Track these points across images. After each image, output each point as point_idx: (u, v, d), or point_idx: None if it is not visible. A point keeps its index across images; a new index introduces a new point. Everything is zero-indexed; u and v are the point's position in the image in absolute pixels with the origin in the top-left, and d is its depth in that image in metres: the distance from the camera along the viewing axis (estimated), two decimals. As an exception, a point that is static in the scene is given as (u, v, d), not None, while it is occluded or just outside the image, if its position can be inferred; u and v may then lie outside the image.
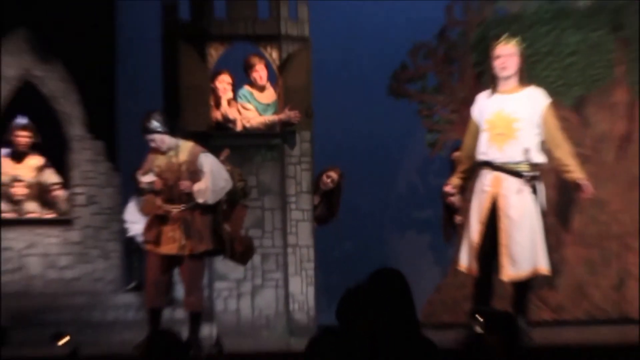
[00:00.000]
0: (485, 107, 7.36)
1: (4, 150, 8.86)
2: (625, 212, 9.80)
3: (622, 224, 9.86)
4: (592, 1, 10.01)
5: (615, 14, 9.83)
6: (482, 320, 4.51)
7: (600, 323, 9.62)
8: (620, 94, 9.86)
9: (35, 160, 8.97)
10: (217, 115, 8.66)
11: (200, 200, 7.37)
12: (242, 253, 7.93)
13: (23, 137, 8.76)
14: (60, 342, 7.45)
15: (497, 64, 7.22)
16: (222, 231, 7.67)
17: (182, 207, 7.41)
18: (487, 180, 7.28)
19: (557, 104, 8.17)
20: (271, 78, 8.76)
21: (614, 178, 9.81)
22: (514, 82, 7.21)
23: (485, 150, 7.24)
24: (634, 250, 9.73)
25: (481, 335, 4.42)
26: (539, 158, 7.13)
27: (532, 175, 7.10)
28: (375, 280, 4.20)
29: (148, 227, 7.56)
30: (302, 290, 8.97)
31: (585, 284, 9.89)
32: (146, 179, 7.56)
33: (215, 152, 7.72)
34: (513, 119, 7.17)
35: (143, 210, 7.94)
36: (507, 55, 7.21)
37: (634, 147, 9.88)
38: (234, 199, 7.85)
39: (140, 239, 8.49)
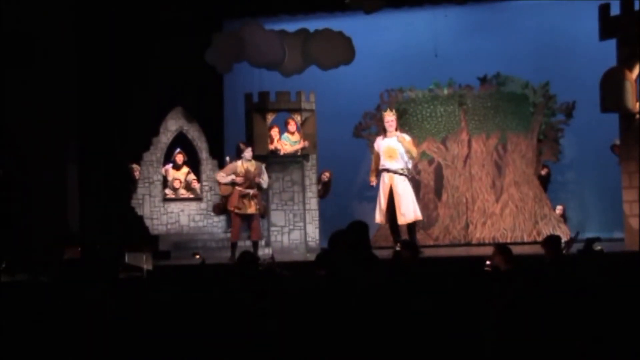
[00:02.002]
0: (381, 143, 11.33)
1: (169, 165, 12.99)
2: (466, 191, 13.43)
3: (464, 197, 13.43)
4: (449, 91, 13.51)
5: (460, 97, 13.43)
6: (399, 244, 7.82)
7: (455, 246, 13.09)
8: (464, 134, 13.45)
9: (185, 169, 12.98)
10: (271, 146, 12.85)
11: (263, 186, 11.74)
12: (264, 212, 12.32)
13: (179, 158, 12.97)
14: (196, 257, 9.97)
15: (386, 123, 11.33)
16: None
17: (255, 190, 11.66)
18: (386, 177, 11.28)
19: (433, 140, 13.07)
20: (295, 129, 13.01)
21: (461, 176, 13.49)
22: (394, 131, 11.28)
23: (384, 163, 11.27)
24: (470, 209, 13.29)
25: (399, 252, 7.44)
26: (408, 165, 11.37)
27: (406, 173, 11.33)
28: (352, 225, 6.25)
29: (236, 201, 11.44)
30: (313, 231, 13.05)
31: (449, 227, 13.39)
32: (229, 178, 11.51)
33: (263, 162, 12.13)
34: (395, 148, 11.23)
35: (221, 193, 11.85)
36: (390, 120, 11.31)
37: (470, 161, 13.46)
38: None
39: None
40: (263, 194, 12.33)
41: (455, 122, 13.61)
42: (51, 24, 12.46)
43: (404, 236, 11.36)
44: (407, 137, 11.40)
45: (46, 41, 12.34)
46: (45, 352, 5.37)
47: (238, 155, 11.85)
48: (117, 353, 5.32)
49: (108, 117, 13.84)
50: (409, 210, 11.26)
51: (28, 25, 12.28)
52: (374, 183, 11.46)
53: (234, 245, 11.67)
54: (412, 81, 13.83)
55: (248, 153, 11.65)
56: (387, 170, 11.29)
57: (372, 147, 13.10)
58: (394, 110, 11.52)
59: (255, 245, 11.65)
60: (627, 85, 11.30)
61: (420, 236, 12.04)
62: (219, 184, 11.92)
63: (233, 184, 11.59)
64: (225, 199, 11.80)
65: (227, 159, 12.34)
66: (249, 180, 11.58)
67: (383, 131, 11.51)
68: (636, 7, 11.34)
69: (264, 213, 12.02)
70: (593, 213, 14.32)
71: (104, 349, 5.33)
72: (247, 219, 11.71)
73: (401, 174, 11.27)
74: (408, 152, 11.30)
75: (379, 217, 11.48)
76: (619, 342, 4.93)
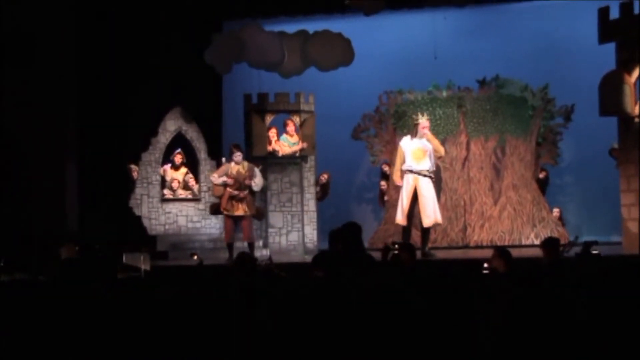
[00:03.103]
0: (409, 144, 11.44)
1: (168, 165, 13.00)
2: (465, 194, 13.59)
3: (463, 199, 13.62)
4: (448, 93, 13.68)
5: (459, 99, 13.59)
6: (398, 246, 7.67)
7: (453, 248, 13.27)
8: (463, 137, 13.61)
9: (183, 169, 13.05)
10: (269, 148, 13.00)
11: (254, 189, 11.82)
12: (260, 215, 12.35)
13: (178, 158, 12.99)
14: (194, 258, 9.46)
15: (422, 128, 11.42)
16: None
17: (246, 192, 11.73)
18: (411, 178, 11.35)
19: (433, 141, 12.66)
20: (294, 130, 13.19)
21: (459, 178, 13.66)
22: (427, 134, 11.42)
23: (410, 164, 11.35)
24: (468, 212, 13.41)
25: (397, 254, 7.52)
26: (434, 167, 11.46)
27: (431, 175, 11.42)
28: (346, 226, 6.69)
29: (225, 202, 11.65)
30: (311, 232, 13.21)
31: (447, 229, 13.48)
32: (221, 179, 11.69)
33: (262, 164, 12.46)
34: (425, 150, 11.35)
35: (214, 194, 12.05)
36: (427, 125, 11.49)
37: (469, 164, 13.60)
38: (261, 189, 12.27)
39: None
40: (260, 195, 12.40)
41: (454, 124, 13.66)
42: (51, 24, 12.47)
43: (415, 239, 11.60)
44: (433, 138, 11.58)
45: (46, 41, 12.36)
46: (44, 351, 5.37)
47: (230, 157, 11.96)
48: (115, 353, 5.33)
49: (107, 117, 13.83)
50: (431, 212, 11.36)
51: (28, 25, 12.27)
52: (400, 183, 11.45)
53: (230, 246, 11.70)
54: (411, 83, 13.89)
55: (237, 157, 11.71)
56: (412, 172, 11.34)
57: (371, 149, 13.90)
58: (427, 116, 11.68)
59: (251, 246, 11.69)
60: (626, 88, 11.34)
61: (418, 238, 11.95)
62: (213, 185, 12.01)
63: (225, 185, 11.67)
64: (219, 199, 11.87)
65: (223, 159, 12.37)
66: (239, 183, 11.65)
67: (414, 132, 11.51)
68: (635, 11, 11.38)
69: (257, 215, 12.02)
70: (591, 216, 14.31)
71: (102, 349, 5.33)
72: (239, 220, 11.75)
73: (426, 176, 11.33)
74: (436, 150, 11.39)
75: (401, 218, 11.47)
76: (617, 344, 4.97)
